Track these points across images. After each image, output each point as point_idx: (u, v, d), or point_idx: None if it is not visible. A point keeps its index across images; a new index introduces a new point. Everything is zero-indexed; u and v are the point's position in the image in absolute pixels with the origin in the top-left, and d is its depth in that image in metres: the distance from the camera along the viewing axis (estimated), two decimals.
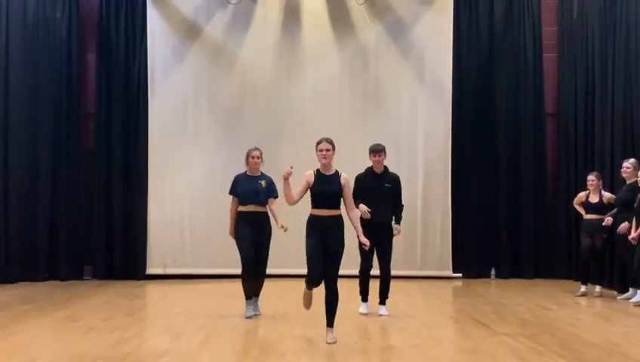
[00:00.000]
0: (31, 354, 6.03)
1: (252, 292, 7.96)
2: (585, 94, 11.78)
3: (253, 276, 7.88)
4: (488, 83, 12.49)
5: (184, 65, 12.31)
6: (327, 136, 6.76)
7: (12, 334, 6.96)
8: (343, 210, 6.64)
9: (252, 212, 7.87)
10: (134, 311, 8.78)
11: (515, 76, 12.48)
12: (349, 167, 7.95)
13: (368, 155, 8.32)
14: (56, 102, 11.88)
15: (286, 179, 6.45)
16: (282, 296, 9.18)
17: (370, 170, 8.29)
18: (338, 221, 6.56)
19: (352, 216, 6.69)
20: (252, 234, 7.81)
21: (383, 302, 8.36)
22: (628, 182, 9.56)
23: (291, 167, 6.46)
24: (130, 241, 12.04)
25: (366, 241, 6.71)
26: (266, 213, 7.98)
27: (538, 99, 12.44)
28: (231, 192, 8.02)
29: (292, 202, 6.59)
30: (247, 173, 8.06)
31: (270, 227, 7.97)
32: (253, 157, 7.99)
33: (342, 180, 6.65)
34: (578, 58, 12.00)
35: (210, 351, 6.32)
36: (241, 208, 7.91)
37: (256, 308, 7.99)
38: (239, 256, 7.91)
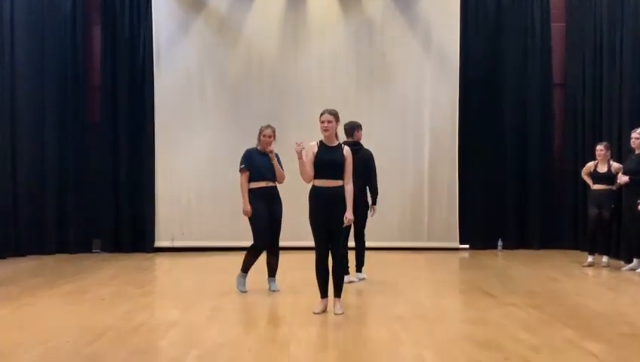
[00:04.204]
0: (41, 327, 6.09)
1: (250, 267, 7.85)
2: (593, 64, 11.68)
3: (268, 254, 7.85)
4: (495, 53, 12.39)
5: (189, 38, 12.25)
6: (332, 108, 6.73)
7: (22, 307, 7.03)
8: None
9: (266, 187, 7.75)
10: (143, 283, 8.83)
11: (522, 46, 12.37)
12: None
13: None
14: (61, 76, 11.87)
15: (300, 157, 6.45)
16: (289, 268, 9.20)
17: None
18: (341, 191, 6.56)
19: (348, 189, 6.61)
20: (268, 211, 7.69)
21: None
22: (637, 152, 9.50)
23: (299, 143, 6.45)
24: (138, 214, 12.08)
25: (351, 218, 6.54)
26: (277, 187, 7.89)
27: (545, 69, 12.35)
28: (244, 166, 7.76)
29: (309, 178, 6.60)
30: (258, 148, 7.85)
31: (281, 201, 7.87)
32: (265, 136, 7.77)
33: (344, 152, 6.63)
34: (586, 27, 11.88)
35: (220, 322, 6.37)
36: (254, 184, 7.73)
37: (274, 285, 7.90)
38: (252, 232, 7.76)
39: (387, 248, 11.70)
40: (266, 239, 7.72)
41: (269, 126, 7.87)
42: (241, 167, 7.78)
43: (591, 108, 11.71)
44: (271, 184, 7.80)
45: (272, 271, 7.94)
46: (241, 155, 7.88)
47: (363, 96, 12.20)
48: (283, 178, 7.90)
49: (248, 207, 7.66)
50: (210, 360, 5.03)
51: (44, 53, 11.70)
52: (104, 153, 12.09)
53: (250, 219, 7.75)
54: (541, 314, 6.60)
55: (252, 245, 7.81)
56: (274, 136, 7.85)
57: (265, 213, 7.69)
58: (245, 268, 7.87)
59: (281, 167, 7.91)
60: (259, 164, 7.76)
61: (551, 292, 7.92)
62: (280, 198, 7.88)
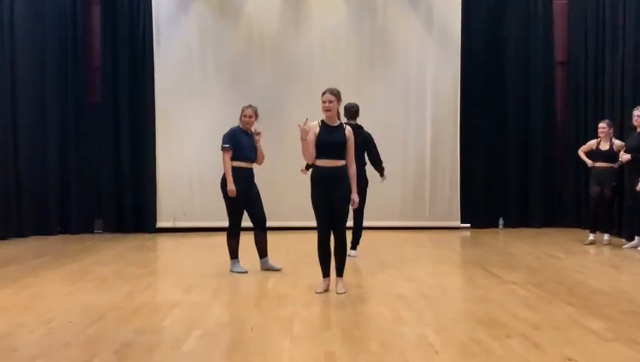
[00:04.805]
0: (44, 307, 6.12)
1: (237, 250, 7.90)
2: (595, 42, 11.63)
3: (260, 233, 7.84)
4: (498, 32, 12.35)
5: (189, 16, 12.18)
6: (334, 87, 6.69)
7: (25, 287, 7.05)
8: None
9: (247, 168, 7.75)
10: (146, 263, 8.86)
11: (524, 24, 12.33)
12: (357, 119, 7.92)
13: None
14: (61, 56, 11.85)
15: (304, 139, 6.43)
16: (290, 248, 9.24)
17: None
18: (343, 171, 6.55)
19: (351, 171, 6.62)
20: (247, 193, 7.68)
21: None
22: (639, 130, 9.48)
23: (305, 124, 6.43)
24: (140, 195, 12.10)
25: (356, 199, 6.64)
26: (253, 170, 7.88)
27: (548, 47, 12.31)
28: (229, 145, 7.65)
29: (311, 158, 6.58)
30: (241, 127, 7.80)
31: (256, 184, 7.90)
32: (245, 116, 7.74)
33: (346, 132, 6.61)
34: (588, 4, 11.82)
35: (222, 301, 6.40)
36: (236, 163, 7.66)
37: (271, 264, 7.90)
38: (228, 214, 7.76)
39: (389, 227, 11.73)
40: (239, 223, 7.76)
41: (250, 106, 7.83)
42: (226, 146, 7.67)
43: (593, 86, 11.68)
44: (251, 166, 7.79)
45: (261, 251, 7.92)
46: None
47: (365, 74, 12.15)
48: (263, 159, 7.92)
49: (234, 187, 7.59)
50: (213, 339, 5.05)
51: (43, 34, 11.65)
52: (105, 133, 12.07)
53: (229, 200, 7.69)
54: (542, 291, 6.62)
55: (229, 229, 7.83)
56: (255, 116, 7.80)
57: (243, 196, 7.65)
58: (233, 255, 7.91)
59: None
60: (245, 144, 7.72)
61: (552, 270, 7.94)
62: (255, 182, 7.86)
